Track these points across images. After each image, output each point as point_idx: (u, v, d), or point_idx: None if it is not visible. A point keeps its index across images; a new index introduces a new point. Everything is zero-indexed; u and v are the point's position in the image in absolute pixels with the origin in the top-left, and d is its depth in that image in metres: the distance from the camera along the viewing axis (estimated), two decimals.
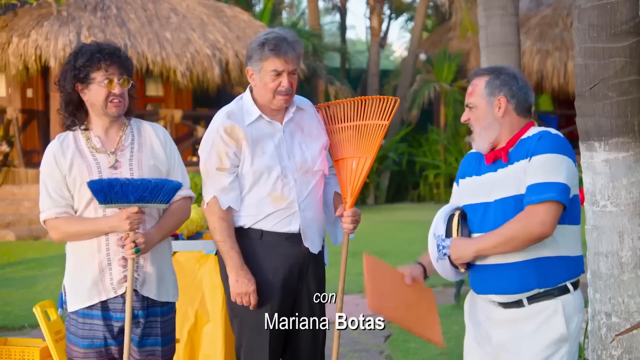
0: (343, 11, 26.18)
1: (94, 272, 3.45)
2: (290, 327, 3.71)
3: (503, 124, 3.08)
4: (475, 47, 17.56)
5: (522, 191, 3.00)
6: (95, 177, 3.43)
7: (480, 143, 3.12)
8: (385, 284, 3.39)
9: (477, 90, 3.10)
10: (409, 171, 18.19)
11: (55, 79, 3.54)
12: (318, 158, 3.71)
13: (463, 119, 3.16)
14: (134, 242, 3.36)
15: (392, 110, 3.75)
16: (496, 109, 3.07)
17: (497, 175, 3.08)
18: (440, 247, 3.11)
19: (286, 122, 3.67)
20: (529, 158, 2.98)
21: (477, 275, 3.19)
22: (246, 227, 3.63)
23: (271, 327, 3.59)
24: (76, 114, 3.50)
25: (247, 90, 3.70)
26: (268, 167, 3.58)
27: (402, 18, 30.31)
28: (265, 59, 3.55)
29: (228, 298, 3.65)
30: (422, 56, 19.85)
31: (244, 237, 3.63)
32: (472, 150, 3.29)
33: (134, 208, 3.33)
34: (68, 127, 3.52)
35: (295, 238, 3.63)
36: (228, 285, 3.64)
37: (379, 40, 21.31)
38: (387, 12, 26.58)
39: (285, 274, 3.62)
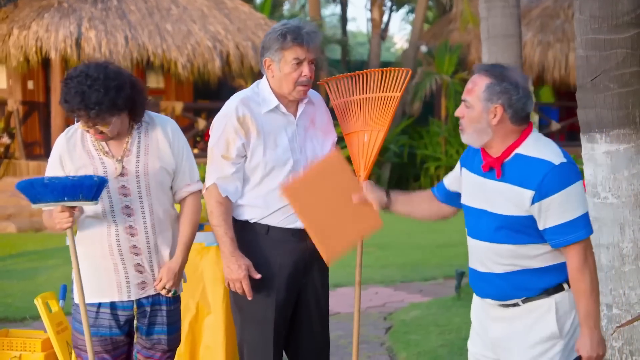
0: (344, 3, 26.13)
1: (109, 272, 3.47)
2: (294, 320, 3.72)
3: (496, 131, 2.99)
4: (476, 39, 17.53)
5: (518, 213, 2.96)
6: None
7: (470, 141, 3.07)
8: (327, 184, 3.43)
9: (476, 91, 3.01)
10: (410, 163, 18.17)
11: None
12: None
13: (457, 113, 3.07)
14: (165, 288, 3.50)
15: (403, 81, 3.72)
16: (491, 115, 2.98)
17: (492, 186, 3.03)
18: None
19: (300, 115, 3.65)
20: (534, 192, 2.92)
21: (472, 278, 3.19)
22: (252, 221, 3.61)
23: (274, 321, 3.59)
24: None
25: (264, 78, 3.67)
26: (281, 161, 3.57)
27: (403, 10, 30.28)
28: (287, 48, 3.52)
29: (231, 290, 3.64)
30: (423, 48, 19.81)
31: (249, 231, 3.62)
32: None
33: (58, 208, 3.32)
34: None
35: (301, 233, 3.61)
36: None
37: (380, 32, 21.27)
38: (388, 3, 26.54)
39: (290, 269, 3.61)
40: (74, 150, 3.47)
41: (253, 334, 3.63)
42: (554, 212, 2.92)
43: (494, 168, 3.02)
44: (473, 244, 3.14)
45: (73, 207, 3.32)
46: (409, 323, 6.71)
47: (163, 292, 3.52)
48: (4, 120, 14.61)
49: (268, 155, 3.56)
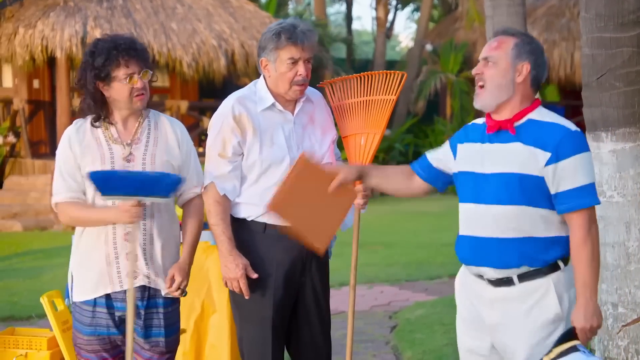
0: (349, 1, 26.12)
1: (101, 264, 3.46)
2: (294, 319, 3.71)
3: (517, 90, 3.02)
4: (481, 38, 17.53)
5: (528, 172, 2.97)
6: (107, 167, 3.43)
7: (488, 100, 3.05)
8: (304, 186, 3.38)
9: (504, 47, 3.03)
10: None
11: (76, 80, 3.52)
12: (327, 152, 3.70)
13: (475, 71, 3.07)
14: (179, 288, 3.47)
15: (399, 84, 3.75)
16: (517, 73, 3.02)
17: (499, 148, 3.03)
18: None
19: (297, 112, 3.65)
20: (551, 153, 2.94)
21: (467, 246, 3.11)
22: (249, 219, 3.62)
23: (272, 319, 3.59)
24: (101, 109, 3.48)
25: (261, 78, 3.68)
26: (277, 158, 3.57)
27: (409, 8, 30.25)
28: (281, 48, 3.53)
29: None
30: (428, 47, 19.81)
31: (246, 229, 3.62)
32: (474, 121, 3.24)
33: (132, 201, 3.33)
34: (93, 123, 3.50)
35: None
36: None
37: (385, 31, 21.27)
38: (394, 2, 26.52)
39: (288, 267, 3.61)
40: (83, 137, 3.49)
41: (251, 332, 3.63)
42: (568, 175, 2.95)
43: (504, 129, 3.03)
44: (474, 209, 3.07)
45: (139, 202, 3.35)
46: (414, 322, 6.71)
47: (177, 294, 3.51)
48: (10, 119, 14.63)
49: (264, 153, 3.57)
